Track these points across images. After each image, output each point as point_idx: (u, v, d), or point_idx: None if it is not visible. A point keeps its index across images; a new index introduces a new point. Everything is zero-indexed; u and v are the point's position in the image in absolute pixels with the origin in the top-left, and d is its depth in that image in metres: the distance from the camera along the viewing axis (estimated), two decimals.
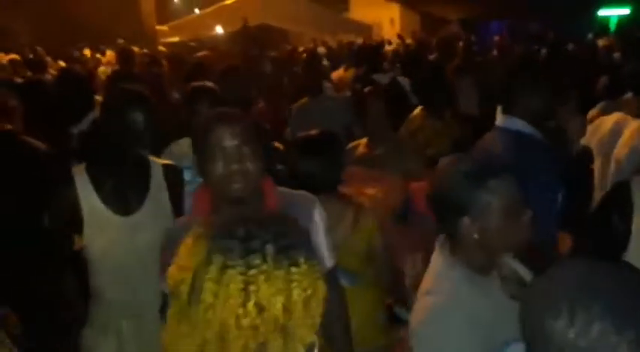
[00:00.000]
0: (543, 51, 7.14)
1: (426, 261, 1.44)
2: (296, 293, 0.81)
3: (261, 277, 0.79)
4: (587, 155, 3.16)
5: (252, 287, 0.79)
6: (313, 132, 2.17)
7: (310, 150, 2.09)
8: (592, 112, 3.62)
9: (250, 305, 0.79)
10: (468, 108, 4.52)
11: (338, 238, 1.96)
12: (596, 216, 1.86)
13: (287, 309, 0.80)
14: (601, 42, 8.07)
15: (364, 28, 12.30)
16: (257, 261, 0.80)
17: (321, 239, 1.58)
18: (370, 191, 2.43)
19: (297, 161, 2.11)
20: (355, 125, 3.12)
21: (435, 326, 1.24)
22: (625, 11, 14.58)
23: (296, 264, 0.82)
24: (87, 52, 10.02)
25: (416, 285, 2.43)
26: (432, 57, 6.25)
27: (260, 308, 0.79)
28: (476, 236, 1.26)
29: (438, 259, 1.37)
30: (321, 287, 0.84)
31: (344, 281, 1.95)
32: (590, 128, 3.09)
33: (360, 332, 1.88)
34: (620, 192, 1.72)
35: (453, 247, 1.33)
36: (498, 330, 1.20)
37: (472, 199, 1.25)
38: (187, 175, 2.14)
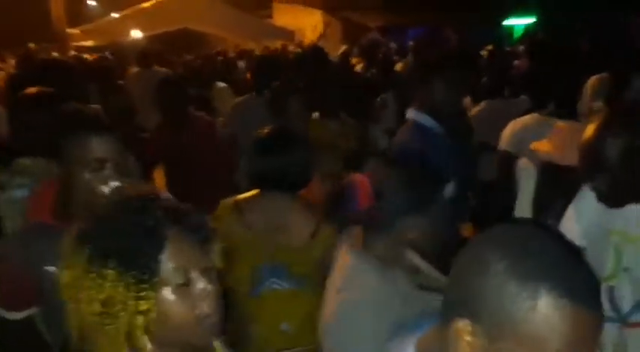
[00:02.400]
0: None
1: None
2: (98, 298, 0.84)
3: (70, 272, 0.87)
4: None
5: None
6: (273, 128, 1.95)
7: (276, 147, 1.86)
8: (477, 108, 3.84)
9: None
10: (388, 119, 4.62)
11: (295, 243, 1.89)
12: None
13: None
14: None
15: (287, 34, 12.35)
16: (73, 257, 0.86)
17: None
18: None
19: (258, 161, 1.89)
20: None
21: (345, 323, 1.30)
22: (531, 20, 15.63)
23: (102, 276, 0.84)
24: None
25: None
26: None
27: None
28: (411, 236, 1.35)
29: (348, 254, 1.41)
30: (146, 303, 0.86)
31: (292, 284, 1.91)
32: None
33: (301, 332, 1.85)
34: None
35: (366, 240, 1.38)
36: (406, 319, 1.22)
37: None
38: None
